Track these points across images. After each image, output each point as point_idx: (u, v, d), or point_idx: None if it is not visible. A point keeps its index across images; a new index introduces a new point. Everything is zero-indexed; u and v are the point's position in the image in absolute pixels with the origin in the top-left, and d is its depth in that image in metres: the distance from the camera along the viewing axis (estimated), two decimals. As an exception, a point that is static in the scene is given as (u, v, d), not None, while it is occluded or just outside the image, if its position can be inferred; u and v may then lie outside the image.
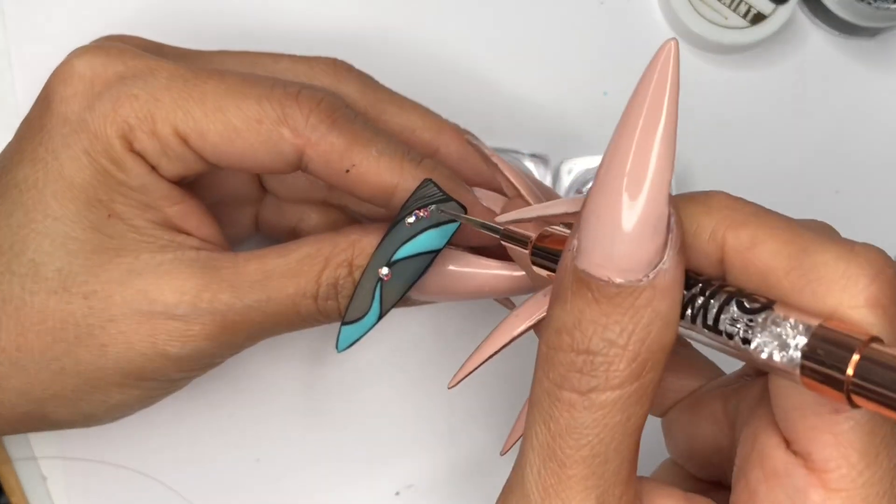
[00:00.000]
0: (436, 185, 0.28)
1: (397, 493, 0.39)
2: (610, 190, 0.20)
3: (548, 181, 0.38)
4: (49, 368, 0.29)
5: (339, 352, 0.29)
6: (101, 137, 0.28)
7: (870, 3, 0.39)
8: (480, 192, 0.30)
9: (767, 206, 0.44)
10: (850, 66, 0.42)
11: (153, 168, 0.29)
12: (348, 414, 0.39)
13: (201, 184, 0.32)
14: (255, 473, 0.38)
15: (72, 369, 0.29)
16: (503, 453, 0.28)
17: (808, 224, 0.23)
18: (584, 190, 0.39)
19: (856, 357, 0.18)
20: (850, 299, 0.19)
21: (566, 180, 0.39)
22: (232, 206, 0.34)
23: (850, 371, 0.18)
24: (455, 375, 0.28)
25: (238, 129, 0.28)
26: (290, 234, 0.35)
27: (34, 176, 0.29)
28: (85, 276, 0.28)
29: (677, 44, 0.20)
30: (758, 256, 0.21)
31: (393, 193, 0.29)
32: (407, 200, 0.28)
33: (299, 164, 0.29)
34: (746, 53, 0.41)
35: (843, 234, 0.41)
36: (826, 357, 0.19)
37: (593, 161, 0.39)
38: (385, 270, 0.28)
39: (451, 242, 0.28)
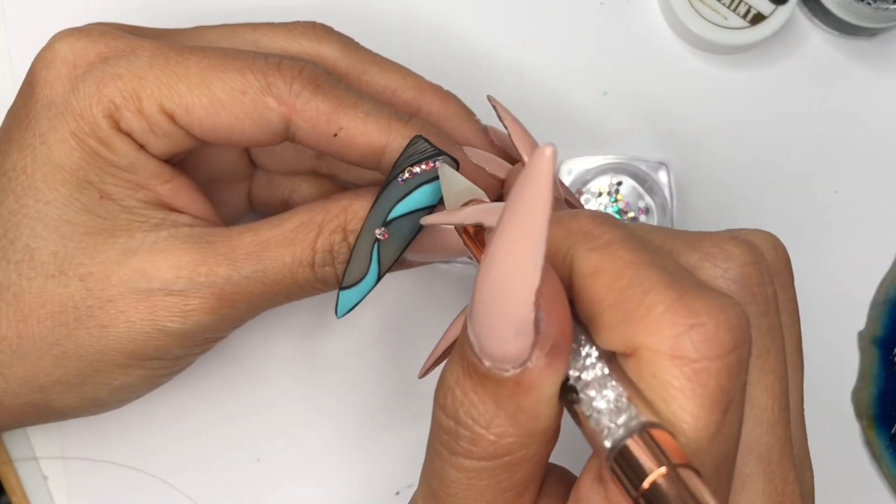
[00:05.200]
0: (427, 140, 0.28)
1: (398, 493, 0.39)
2: (482, 287, 0.19)
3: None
4: (51, 354, 0.29)
5: (338, 317, 0.29)
6: (87, 118, 0.28)
7: (869, 4, 0.39)
8: (469, 150, 0.30)
9: (766, 207, 0.44)
10: (849, 66, 0.42)
11: (141, 147, 0.29)
12: (348, 413, 0.39)
13: (192, 163, 0.32)
14: (255, 472, 0.38)
15: (73, 353, 0.29)
16: (420, 376, 0.29)
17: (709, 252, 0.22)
18: (585, 189, 0.39)
19: (650, 482, 0.18)
20: (654, 343, 0.19)
21: (566, 180, 0.39)
22: (223, 184, 0.35)
23: (645, 485, 0.18)
24: (424, 364, 0.29)
25: (223, 102, 0.28)
26: (283, 207, 0.35)
27: (22, 162, 0.29)
28: (81, 259, 0.28)
29: (551, 154, 0.18)
30: (592, 286, 0.20)
31: (383, 153, 0.29)
32: (398, 158, 0.28)
33: (286, 134, 0.29)
34: (746, 54, 0.41)
35: (842, 234, 0.42)
36: (629, 467, 0.19)
37: (593, 161, 0.39)
38: (381, 230, 0.28)
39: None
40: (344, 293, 0.29)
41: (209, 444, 0.38)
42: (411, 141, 0.28)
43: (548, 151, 0.18)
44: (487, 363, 0.20)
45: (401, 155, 0.28)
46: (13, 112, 0.30)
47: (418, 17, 0.41)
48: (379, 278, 0.28)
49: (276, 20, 0.32)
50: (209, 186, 0.33)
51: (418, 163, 0.28)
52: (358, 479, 0.39)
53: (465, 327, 0.20)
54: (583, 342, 0.21)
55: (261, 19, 0.32)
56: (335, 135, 0.28)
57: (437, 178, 0.28)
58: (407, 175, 0.28)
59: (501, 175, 0.30)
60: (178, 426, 0.38)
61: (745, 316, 0.19)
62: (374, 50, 0.32)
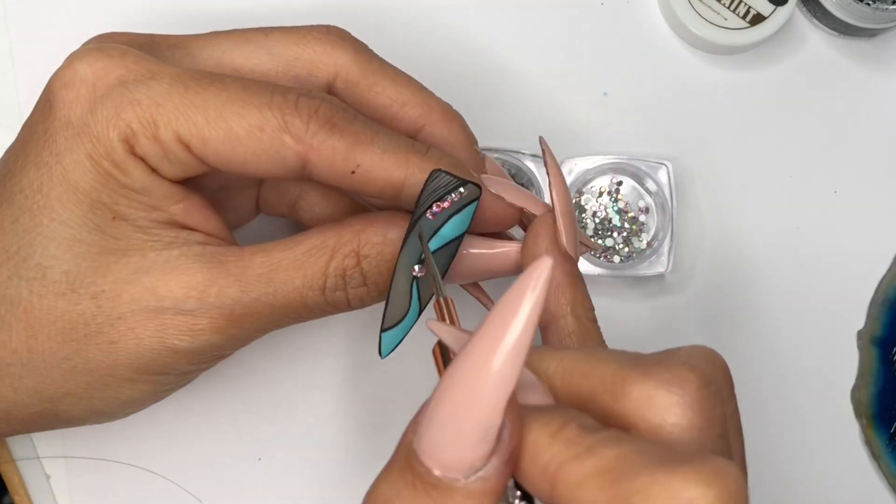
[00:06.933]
0: (447, 172, 0.28)
1: (398, 492, 0.39)
2: (451, 390, 0.20)
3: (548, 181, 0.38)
4: (60, 367, 0.29)
5: (382, 358, 0.29)
6: (103, 141, 0.28)
7: (868, 4, 0.39)
8: (486, 178, 0.31)
9: (766, 206, 0.44)
10: (848, 66, 0.42)
11: (154, 170, 0.29)
12: (350, 412, 0.39)
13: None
14: (257, 471, 0.39)
15: (83, 367, 0.29)
16: None
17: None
18: (585, 189, 0.39)
19: None
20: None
21: (567, 180, 0.39)
22: (234, 190, 0.35)
23: None
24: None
25: (240, 137, 0.28)
26: (290, 212, 0.35)
27: (39, 180, 0.29)
28: (92, 277, 0.29)
29: (548, 268, 0.19)
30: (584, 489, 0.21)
31: (402, 188, 0.29)
32: (421, 194, 0.28)
33: (302, 171, 0.29)
34: (746, 54, 0.41)
35: (841, 235, 0.42)
36: None
37: (593, 161, 0.39)
38: (418, 267, 0.28)
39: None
40: (386, 334, 0.29)
41: (211, 443, 0.39)
42: (431, 176, 0.28)
43: (547, 264, 0.19)
44: (438, 472, 0.20)
45: (423, 190, 0.28)
46: (30, 127, 0.30)
47: (419, 16, 0.41)
48: (420, 313, 0.29)
49: (290, 19, 0.32)
50: (220, 192, 0.33)
51: (444, 197, 0.28)
52: (358, 479, 0.39)
53: (406, 436, 0.21)
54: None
55: (271, 18, 0.32)
56: (353, 172, 0.28)
57: (464, 206, 0.28)
58: (436, 209, 0.28)
59: (519, 204, 0.31)
60: (180, 425, 0.39)
61: (741, 483, 0.20)
62: (377, 49, 0.32)
